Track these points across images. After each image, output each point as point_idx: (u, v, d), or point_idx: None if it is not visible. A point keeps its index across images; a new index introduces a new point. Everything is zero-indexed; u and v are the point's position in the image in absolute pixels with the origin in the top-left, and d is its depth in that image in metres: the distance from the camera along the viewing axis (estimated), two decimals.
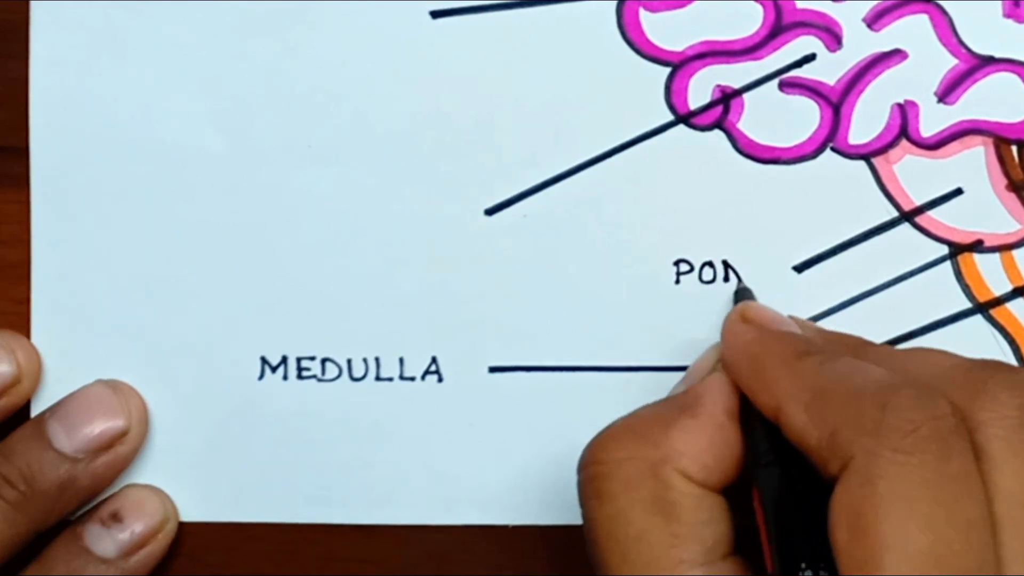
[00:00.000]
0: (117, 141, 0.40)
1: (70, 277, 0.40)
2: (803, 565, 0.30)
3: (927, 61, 0.39)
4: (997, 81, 0.39)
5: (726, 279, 0.39)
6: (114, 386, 0.40)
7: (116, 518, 0.39)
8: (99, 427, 0.39)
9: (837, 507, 0.29)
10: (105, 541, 0.39)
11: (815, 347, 0.34)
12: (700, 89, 0.39)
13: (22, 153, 0.40)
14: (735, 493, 0.34)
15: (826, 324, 0.39)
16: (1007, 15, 0.39)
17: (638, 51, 0.39)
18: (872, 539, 0.28)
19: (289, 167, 0.40)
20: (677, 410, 0.34)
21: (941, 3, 0.39)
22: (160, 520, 0.40)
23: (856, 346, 0.36)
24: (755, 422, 0.33)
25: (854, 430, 0.30)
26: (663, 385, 0.39)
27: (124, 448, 0.39)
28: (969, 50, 0.39)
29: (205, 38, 0.39)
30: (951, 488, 0.29)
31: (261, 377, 0.40)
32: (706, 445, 0.33)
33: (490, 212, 0.40)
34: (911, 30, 0.39)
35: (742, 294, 0.39)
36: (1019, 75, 0.39)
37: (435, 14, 0.39)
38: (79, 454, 0.39)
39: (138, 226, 0.40)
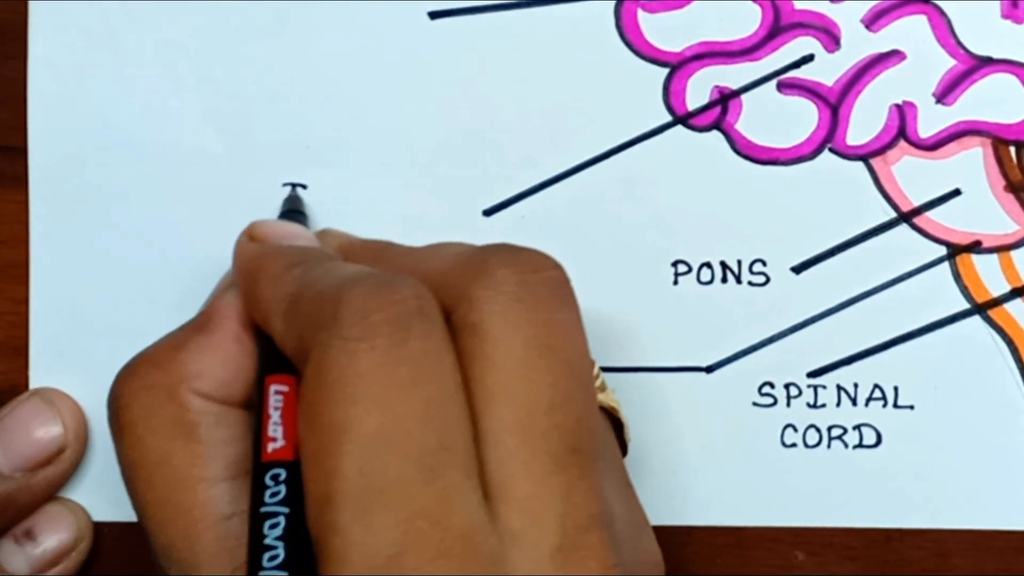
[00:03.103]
0: (116, 141, 0.40)
1: (69, 277, 0.40)
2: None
3: (925, 62, 0.39)
4: (995, 82, 0.39)
5: (724, 280, 0.39)
6: (50, 398, 0.39)
7: (29, 535, 0.38)
8: (37, 444, 0.38)
9: (299, 402, 0.29)
10: (17, 558, 0.38)
11: (308, 257, 0.33)
12: (698, 90, 0.39)
13: (20, 153, 0.40)
14: None
15: (825, 325, 0.39)
16: (1005, 16, 0.39)
17: (636, 52, 0.39)
18: (322, 427, 0.28)
19: (287, 168, 0.40)
20: (191, 330, 0.34)
21: (939, 4, 0.39)
22: (73, 538, 0.39)
23: (377, 249, 0.36)
24: (259, 335, 0.33)
25: (314, 328, 0.29)
26: (661, 386, 0.39)
27: (63, 463, 0.39)
28: (967, 51, 0.39)
29: (203, 39, 0.39)
30: (405, 370, 0.28)
31: None
32: (221, 360, 0.33)
33: (488, 213, 0.40)
34: (909, 31, 0.39)
35: (292, 202, 0.39)
36: (1017, 76, 0.39)
37: (433, 15, 0.39)
38: (16, 472, 0.38)
39: (137, 226, 0.40)
